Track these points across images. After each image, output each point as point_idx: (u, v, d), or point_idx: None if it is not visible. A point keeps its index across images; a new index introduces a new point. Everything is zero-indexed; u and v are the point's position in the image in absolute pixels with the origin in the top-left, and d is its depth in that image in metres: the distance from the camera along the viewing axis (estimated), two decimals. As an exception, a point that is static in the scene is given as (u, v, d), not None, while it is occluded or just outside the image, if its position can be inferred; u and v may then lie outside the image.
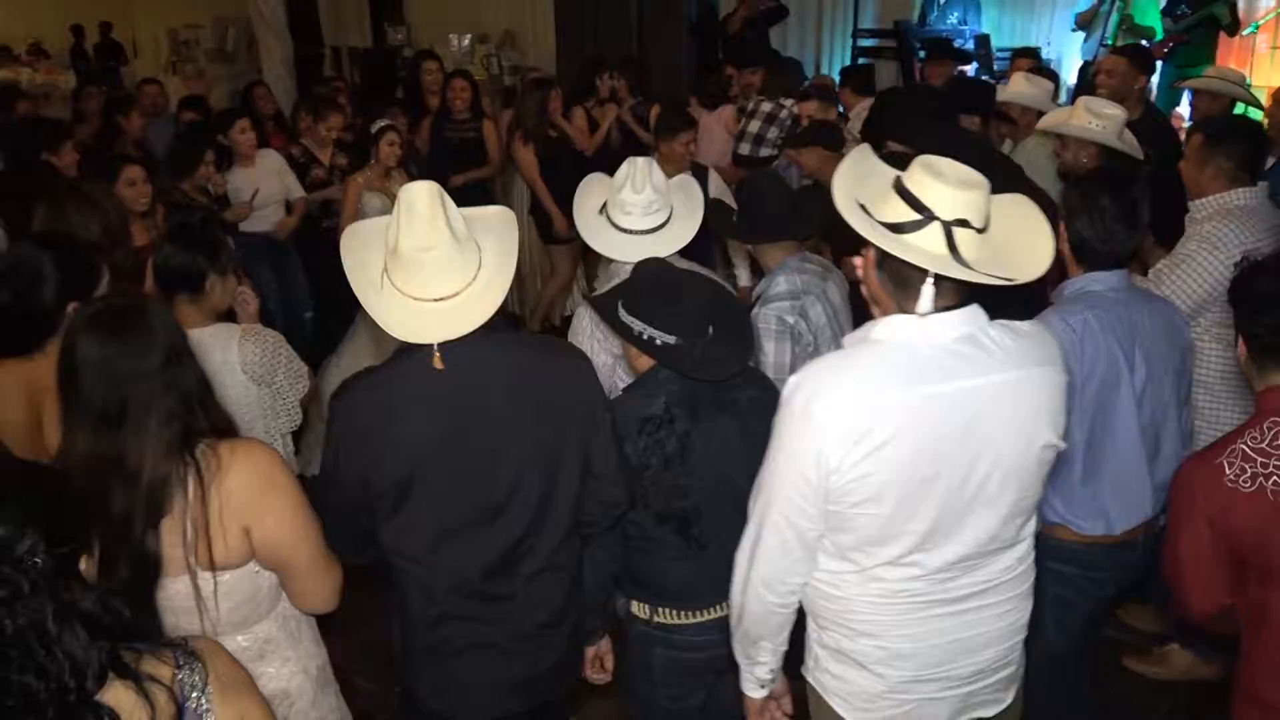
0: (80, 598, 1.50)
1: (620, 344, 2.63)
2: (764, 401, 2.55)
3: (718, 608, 2.57)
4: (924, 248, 1.87)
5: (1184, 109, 7.13)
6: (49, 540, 1.46)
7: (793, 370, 3.12)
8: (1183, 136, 5.01)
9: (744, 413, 2.49)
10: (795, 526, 2.01)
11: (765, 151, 6.50)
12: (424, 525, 2.20)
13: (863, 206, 1.96)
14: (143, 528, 2.00)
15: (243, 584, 2.16)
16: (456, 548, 2.22)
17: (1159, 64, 7.63)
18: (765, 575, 2.09)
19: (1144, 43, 7.31)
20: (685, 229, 3.11)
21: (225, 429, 2.18)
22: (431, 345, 2.10)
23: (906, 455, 1.90)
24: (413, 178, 5.81)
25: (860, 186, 2.01)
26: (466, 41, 10.79)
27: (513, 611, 2.30)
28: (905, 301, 1.95)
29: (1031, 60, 6.54)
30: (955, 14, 9.68)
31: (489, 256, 2.17)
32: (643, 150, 6.90)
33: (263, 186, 5.73)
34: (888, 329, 1.97)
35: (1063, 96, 8.66)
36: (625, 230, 3.09)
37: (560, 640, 2.40)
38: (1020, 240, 1.96)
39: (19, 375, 2.67)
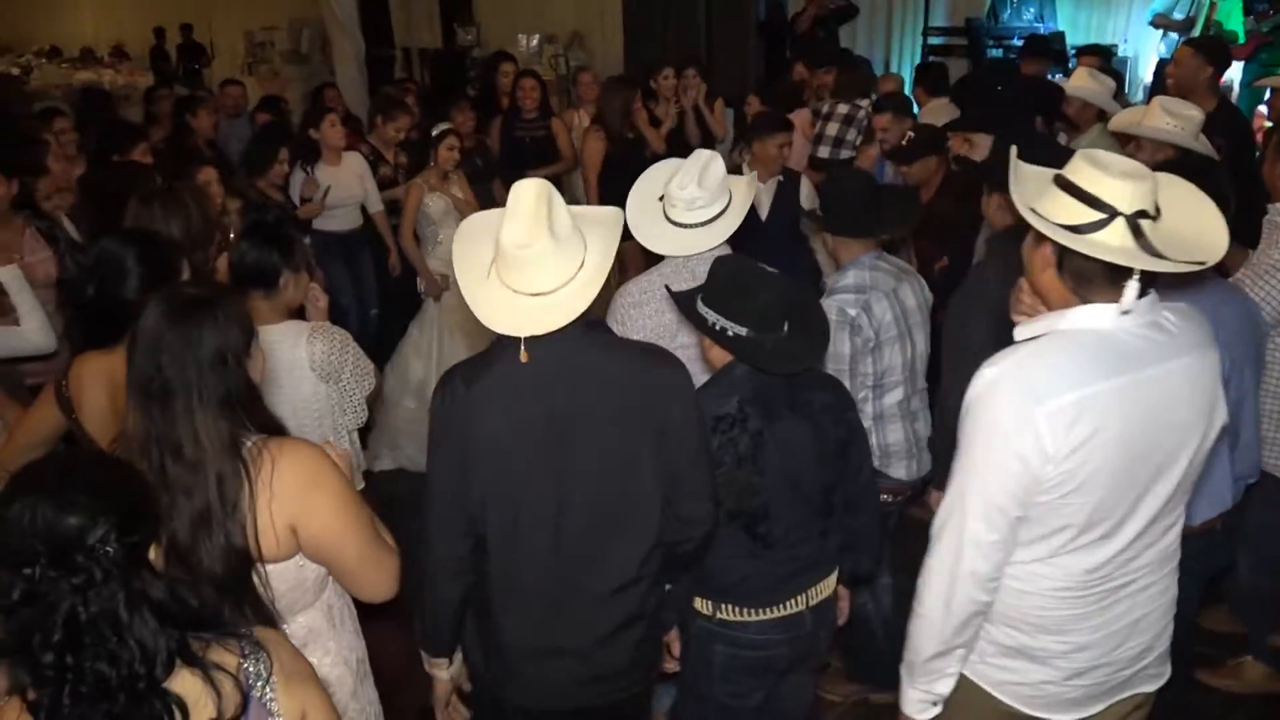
0: (150, 586, 1.53)
1: (696, 338, 2.67)
2: (837, 408, 2.58)
3: (781, 606, 2.59)
4: (1109, 243, 1.88)
5: (1265, 109, 6.95)
6: (120, 529, 1.49)
7: (852, 361, 3.18)
8: (1261, 138, 4.89)
9: (817, 414, 2.52)
10: (1007, 517, 1.98)
11: (845, 153, 6.44)
12: (505, 518, 2.25)
13: (1034, 210, 1.98)
14: (222, 520, 2.04)
15: (287, 575, 2.19)
16: (531, 543, 2.25)
17: (1242, 64, 7.45)
18: (980, 573, 2.02)
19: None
20: (726, 226, 3.12)
21: (274, 430, 2.20)
22: (519, 340, 2.14)
23: (1114, 442, 1.92)
24: (473, 178, 5.91)
25: (1023, 189, 2.03)
26: (535, 42, 10.88)
27: (581, 619, 2.31)
28: (1090, 294, 1.96)
29: (1098, 58, 6.40)
30: (1030, 10, 9.52)
31: (592, 256, 2.20)
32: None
33: (343, 187, 5.81)
34: (1083, 318, 1.97)
35: (1139, 94, 8.51)
36: (672, 222, 3.12)
37: (633, 638, 2.38)
38: (1190, 220, 1.97)
39: (101, 367, 2.74)
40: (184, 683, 1.54)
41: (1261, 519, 3.35)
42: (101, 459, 1.66)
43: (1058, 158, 2.03)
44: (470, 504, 2.25)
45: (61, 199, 4.58)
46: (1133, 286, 1.90)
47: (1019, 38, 8.80)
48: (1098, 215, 1.89)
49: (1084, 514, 1.97)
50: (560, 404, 2.19)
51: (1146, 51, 9.09)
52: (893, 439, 3.39)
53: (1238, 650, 3.81)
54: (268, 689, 1.61)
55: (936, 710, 2.20)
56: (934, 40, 9.81)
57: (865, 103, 6.38)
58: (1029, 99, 4.95)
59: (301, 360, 3.02)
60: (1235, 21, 7.64)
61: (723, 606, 2.61)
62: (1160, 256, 1.87)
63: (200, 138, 6.42)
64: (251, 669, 1.61)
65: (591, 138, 6.56)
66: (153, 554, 1.58)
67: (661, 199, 3.16)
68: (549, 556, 2.26)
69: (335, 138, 5.84)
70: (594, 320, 2.28)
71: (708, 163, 3.09)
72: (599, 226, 2.26)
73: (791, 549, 2.57)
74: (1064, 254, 1.95)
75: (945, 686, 2.17)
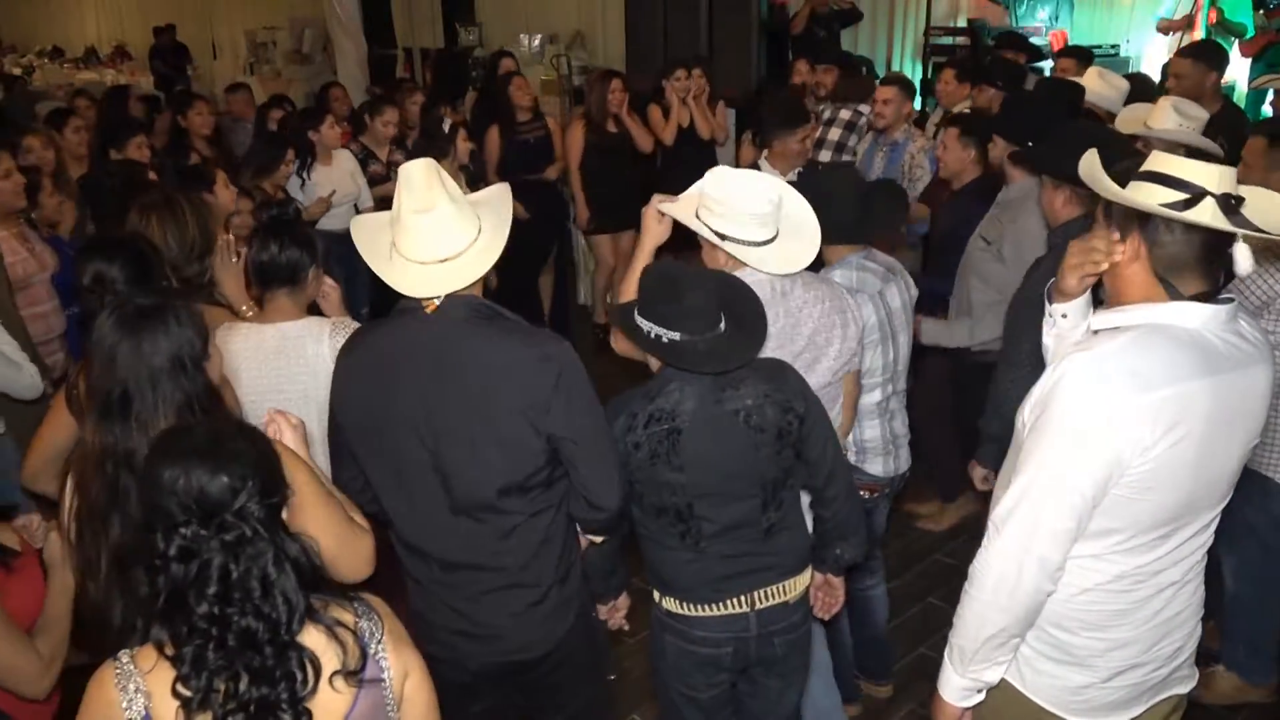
0: (287, 545, 1.64)
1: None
2: (780, 396, 2.55)
3: (720, 605, 2.59)
4: (1213, 224, 1.90)
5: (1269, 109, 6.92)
6: (263, 491, 1.61)
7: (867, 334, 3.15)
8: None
9: (753, 407, 2.50)
10: (1076, 512, 1.95)
11: (846, 159, 6.45)
12: (378, 474, 2.41)
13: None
14: None
15: None
16: (405, 502, 2.40)
17: (1250, 61, 7.42)
18: (1050, 560, 1.99)
19: (1234, 39, 7.11)
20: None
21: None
22: (417, 308, 2.30)
23: (1195, 443, 1.93)
24: (471, 177, 5.90)
25: (1101, 180, 2.05)
26: (537, 42, 10.87)
27: (468, 581, 2.43)
28: (1180, 284, 1.96)
29: (1072, 61, 6.38)
30: (1046, 8, 9.47)
31: (487, 224, 2.35)
32: (702, 147, 6.97)
33: (339, 187, 5.88)
34: (1174, 314, 1.95)
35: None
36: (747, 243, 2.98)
37: (523, 602, 2.45)
38: (1267, 201, 1.99)
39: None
40: (310, 637, 1.64)
41: (1245, 516, 3.29)
42: (241, 426, 1.74)
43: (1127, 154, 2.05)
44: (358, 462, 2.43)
45: (66, 198, 4.58)
46: (1242, 249, 1.94)
47: (1028, 38, 8.78)
48: (1185, 195, 1.90)
49: (1152, 513, 1.97)
50: (429, 376, 2.29)
51: (1149, 52, 9.06)
52: (869, 435, 3.39)
53: (1210, 659, 3.66)
54: (380, 647, 1.72)
55: (979, 699, 2.17)
56: (936, 40, 9.79)
57: (865, 107, 6.36)
58: (1058, 98, 4.89)
59: (325, 355, 3.01)
60: (1243, 12, 7.57)
61: (667, 598, 2.64)
62: (1262, 231, 1.89)
63: (195, 136, 6.41)
64: (366, 626, 1.72)
65: (575, 128, 6.76)
66: (284, 515, 1.69)
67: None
68: (418, 520, 2.41)
69: (334, 139, 5.93)
70: (483, 303, 2.37)
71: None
72: (487, 203, 2.44)
73: (726, 547, 2.56)
74: (1154, 243, 1.96)
75: (994, 675, 2.14)
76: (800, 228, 2.93)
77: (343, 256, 5.87)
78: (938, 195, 5.18)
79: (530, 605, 2.46)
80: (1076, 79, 5.40)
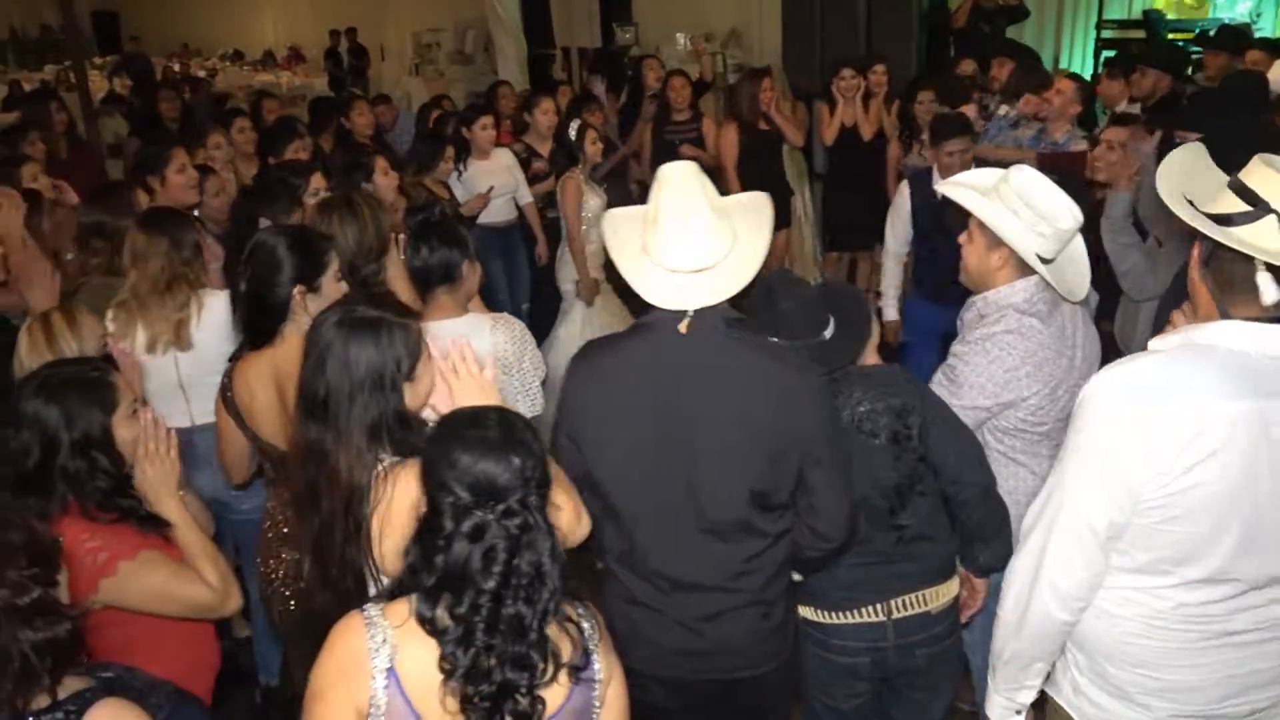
0: (554, 536, 1.70)
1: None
2: (896, 404, 2.50)
3: (855, 613, 2.54)
4: (1257, 242, 1.76)
5: None
6: (539, 483, 1.68)
7: None
8: None
9: (865, 415, 2.48)
10: (1097, 535, 1.88)
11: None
12: (621, 493, 2.30)
13: (1190, 202, 1.88)
14: (342, 538, 2.11)
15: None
16: (648, 523, 2.30)
17: None
18: (1061, 588, 1.93)
19: None
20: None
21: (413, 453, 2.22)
22: (673, 319, 2.19)
23: (1233, 471, 1.78)
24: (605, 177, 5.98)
25: (1190, 181, 1.94)
26: (691, 40, 10.89)
27: (693, 597, 2.34)
28: (1230, 305, 1.84)
29: (1262, 54, 5.99)
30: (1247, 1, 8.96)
31: (743, 235, 2.25)
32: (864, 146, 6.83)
33: (496, 181, 6.01)
34: (1218, 334, 1.84)
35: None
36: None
37: (746, 621, 2.37)
38: None
39: (264, 369, 2.84)
40: (551, 629, 1.70)
41: None
42: (523, 418, 1.80)
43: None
44: (582, 477, 2.33)
45: (224, 199, 4.80)
46: (1265, 281, 1.76)
47: (1199, 30, 8.34)
48: (1246, 208, 1.77)
49: (1185, 546, 1.83)
50: (682, 393, 2.21)
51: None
52: None
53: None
54: (595, 648, 1.77)
55: (1019, 719, 2.13)
56: (1108, 34, 9.39)
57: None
58: (1239, 94, 4.61)
59: (486, 351, 3.08)
60: None
61: (804, 606, 2.59)
62: None
63: (358, 134, 6.66)
64: (587, 626, 1.76)
65: (727, 130, 6.67)
66: None
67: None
68: (660, 541, 2.31)
69: (485, 140, 6.05)
70: (738, 318, 2.29)
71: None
72: (746, 210, 2.32)
73: (853, 555, 2.49)
74: (1210, 254, 1.84)
75: (1026, 697, 2.10)
76: (1073, 255, 2.79)
77: (503, 251, 6.08)
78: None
79: (761, 619, 2.37)
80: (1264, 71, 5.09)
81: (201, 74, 15.33)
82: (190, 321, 3.35)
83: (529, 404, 3.24)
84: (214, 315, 3.37)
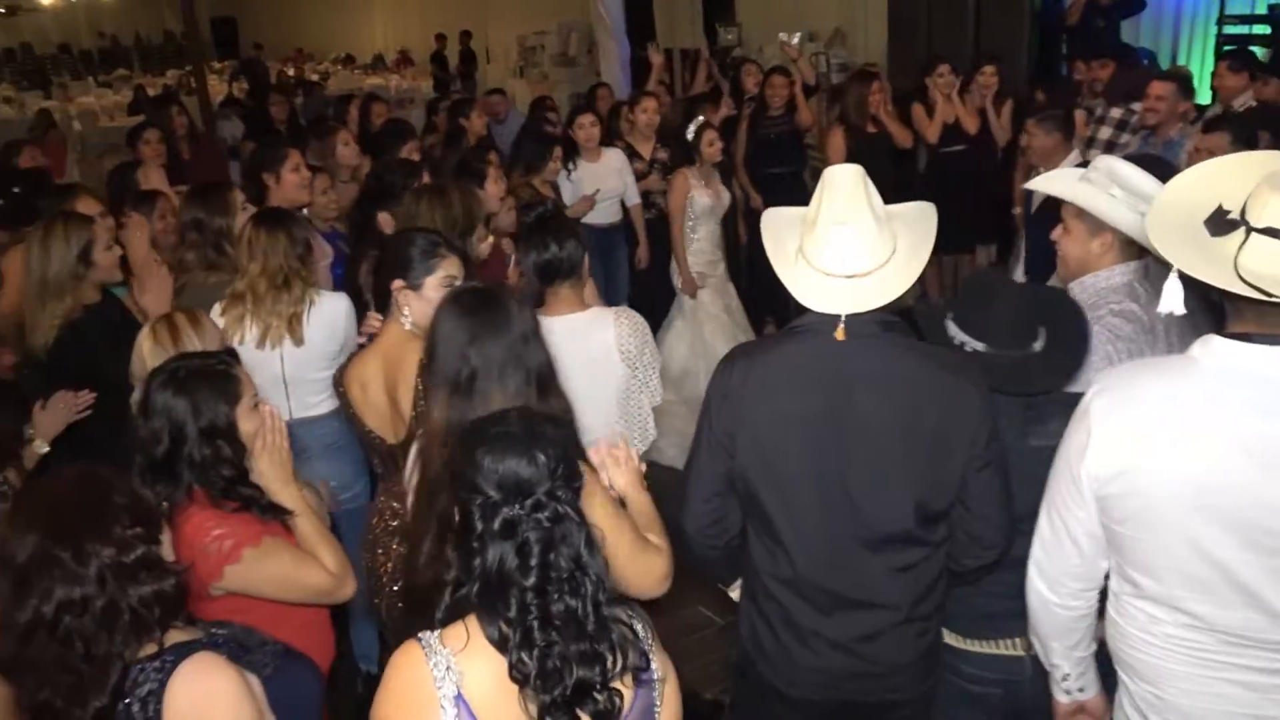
0: (592, 530, 1.69)
1: None
2: None
3: (993, 643, 2.41)
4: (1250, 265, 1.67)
5: None
6: (567, 477, 1.67)
7: None
8: None
9: (1056, 438, 2.29)
10: (1064, 521, 1.97)
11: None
12: (772, 507, 2.26)
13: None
14: None
15: None
16: (799, 535, 2.25)
17: None
18: (1042, 566, 2.05)
19: None
20: None
21: (562, 415, 2.26)
22: (829, 324, 2.16)
23: (1179, 482, 1.76)
24: (721, 170, 5.98)
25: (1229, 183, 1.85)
26: (795, 40, 10.80)
27: (849, 614, 2.27)
28: (1232, 317, 1.79)
29: None
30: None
31: (903, 243, 2.21)
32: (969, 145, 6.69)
33: (605, 182, 6.05)
34: (1203, 348, 1.80)
35: None
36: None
37: (904, 638, 2.31)
38: None
39: (376, 355, 2.94)
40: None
41: None
42: (546, 414, 1.81)
43: None
44: (729, 484, 2.29)
45: (334, 197, 4.92)
46: (1172, 284, 1.79)
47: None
48: (1228, 221, 1.72)
49: (1145, 552, 1.84)
50: (841, 399, 2.17)
51: None
52: None
53: None
54: (650, 649, 1.74)
55: (1069, 699, 2.16)
56: (1230, 29, 9.02)
57: (1138, 105, 5.95)
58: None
59: (610, 344, 3.13)
60: None
61: (942, 629, 2.46)
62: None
63: (473, 136, 6.79)
64: (640, 627, 1.74)
65: (834, 132, 6.63)
66: None
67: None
68: (816, 553, 2.25)
69: (588, 139, 6.10)
70: (894, 320, 2.24)
71: None
72: (908, 220, 2.28)
73: (999, 586, 2.32)
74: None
75: (1058, 675, 2.14)
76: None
77: (604, 251, 6.13)
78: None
79: (918, 638, 2.31)
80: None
81: (314, 78, 15.79)
82: (303, 317, 3.46)
83: (649, 395, 3.28)
84: (324, 313, 3.49)
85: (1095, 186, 2.68)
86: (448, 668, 1.61)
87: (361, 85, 14.35)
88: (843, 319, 2.15)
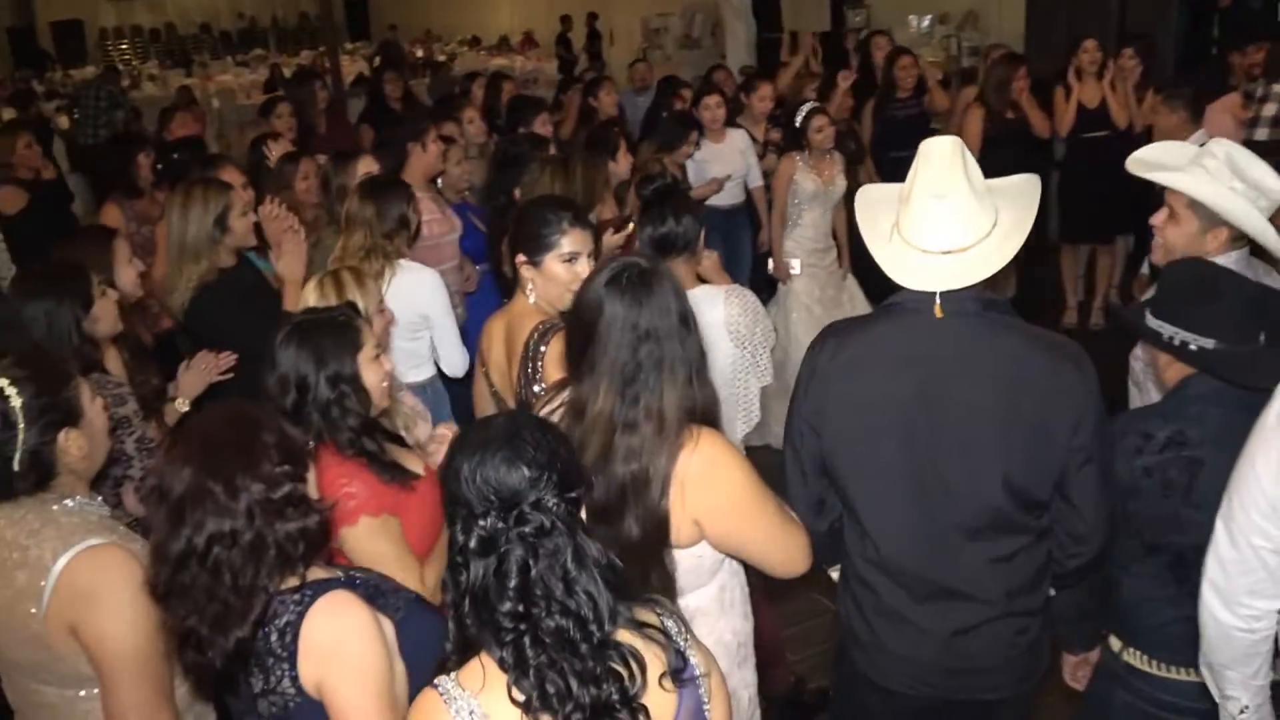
0: (588, 544, 1.57)
1: (1147, 355, 2.39)
2: None
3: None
4: None
5: None
6: (560, 485, 1.55)
7: None
8: None
9: None
10: (1253, 545, 1.83)
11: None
12: (861, 488, 2.19)
13: None
14: (660, 492, 2.04)
15: (685, 560, 2.16)
16: (889, 519, 2.18)
17: None
18: (1223, 589, 1.89)
19: None
20: None
21: (709, 406, 2.17)
22: (924, 302, 2.08)
23: None
24: (849, 156, 5.85)
25: None
26: (926, 22, 10.57)
27: (940, 605, 2.19)
28: None
29: None
30: None
31: (1004, 217, 2.11)
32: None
33: (726, 162, 6.02)
34: None
35: None
36: None
37: (997, 635, 2.21)
38: None
39: (503, 317, 2.96)
40: (626, 638, 1.57)
41: None
42: (539, 421, 1.69)
43: None
44: (821, 465, 2.23)
45: (468, 168, 5.06)
46: None
47: None
48: None
49: None
50: (935, 380, 2.08)
51: None
52: None
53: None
54: (687, 645, 1.64)
55: None
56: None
57: None
58: None
59: (719, 322, 3.08)
60: None
61: (1130, 650, 2.32)
62: None
63: (603, 114, 6.82)
64: (671, 625, 1.64)
65: (972, 115, 6.42)
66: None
67: None
68: (907, 538, 2.17)
69: (714, 120, 6.05)
70: (994, 299, 2.14)
71: None
72: (1012, 193, 2.17)
73: None
74: None
75: (1234, 708, 1.99)
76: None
77: (727, 232, 6.08)
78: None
79: (1016, 635, 2.21)
80: None
81: (442, 58, 16.07)
82: (382, 288, 3.41)
83: (759, 375, 3.22)
84: (403, 285, 3.52)
85: (1213, 177, 2.51)
86: (470, 712, 1.51)
87: (487, 66, 14.55)
88: (938, 297, 2.06)
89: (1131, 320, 2.31)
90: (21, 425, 1.99)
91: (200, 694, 2.03)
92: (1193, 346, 2.15)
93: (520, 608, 1.50)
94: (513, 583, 1.50)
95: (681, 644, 1.63)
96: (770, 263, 5.75)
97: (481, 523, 1.52)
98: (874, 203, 2.25)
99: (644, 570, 2.04)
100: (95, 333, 2.93)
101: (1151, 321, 2.22)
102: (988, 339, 2.09)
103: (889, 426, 2.12)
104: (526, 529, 1.51)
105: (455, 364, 3.71)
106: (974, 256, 2.06)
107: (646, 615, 1.62)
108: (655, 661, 1.57)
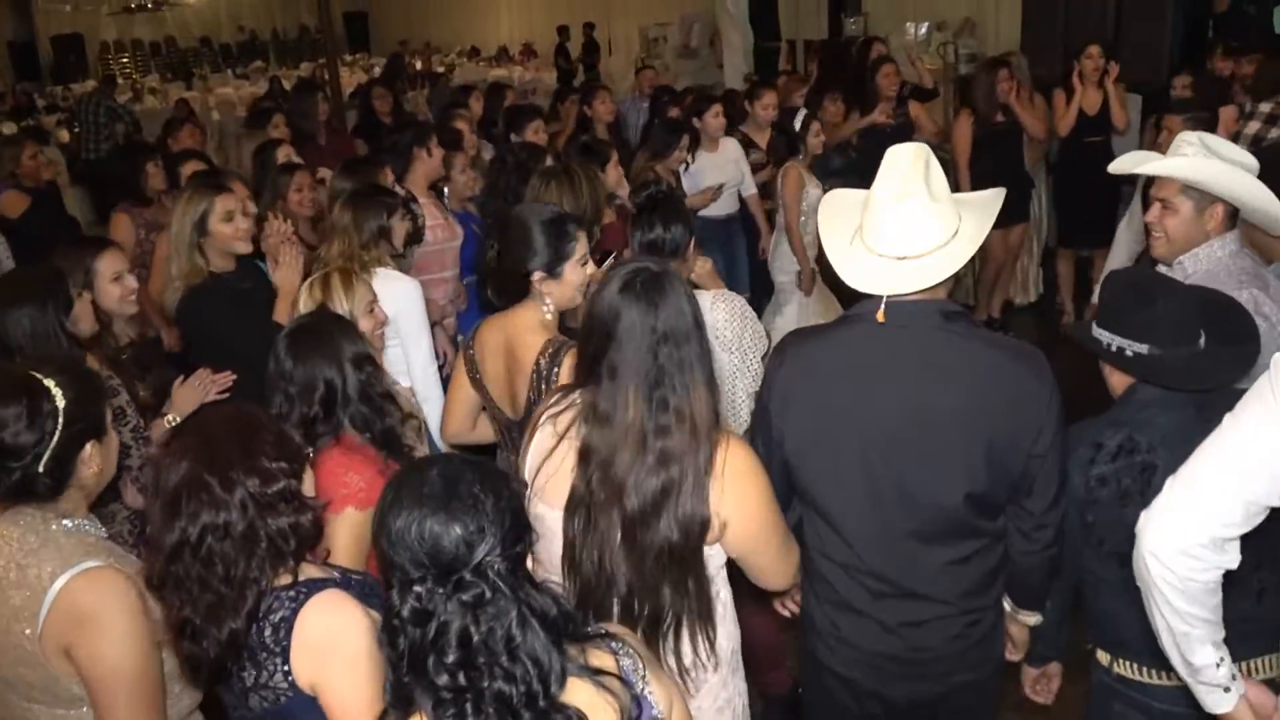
0: (533, 599, 1.49)
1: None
2: None
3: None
4: None
5: None
6: (504, 542, 1.45)
7: None
8: None
9: None
10: (1234, 507, 1.73)
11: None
12: (825, 489, 2.22)
13: None
14: (699, 493, 2.02)
15: None
16: (847, 525, 2.21)
17: None
18: (1179, 534, 1.77)
19: None
20: None
21: (720, 408, 2.16)
22: (875, 307, 2.09)
23: None
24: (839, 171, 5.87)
25: None
26: (923, 30, 10.56)
27: (897, 603, 2.23)
28: None
29: None
30: None
31: (967, 227, 2.11)
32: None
33: (720, 171, 6.03)
34: None
35: None
36: None
37: (950, 628, 2.24)
38: None
39: (500, 326, 2.93)
40: (578, 693, 1.49)
41: None
42: (481, 467, 1.53)
43: None
44: (785, 469, 2.26)
45: (474, 176, 5.09)
46: None
47: None
48: None
49: None
50: (893, 389, 2.10)
51: None
52: None
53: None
54: (644, 684, 1.58)
55: (1233, 698, 1.87)
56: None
57: None
58: None
59: (706, 327, 3.07)
60: None
61: (1120, 660, 2.33)
62: None
63: (600, 123, 6.83)
64: (627, 665, 1.58)
65: (960, 121, 6.46)
66: (529, 564, 1.56)
67: None
68: (865, 542, 2.20)
69: (716, 128, 6.08)
70: (955, 309, 2.15)
71: None
72: (974, 205, 2.19)
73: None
74: None
75: (1212, 671, 1.86)
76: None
77: (723, 242, 6.08)
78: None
79: (968, 627, 2.24)
80: None
81: (441, 69, 16.11)
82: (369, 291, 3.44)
83: (750, 380, 3.23)
84: (380, 293, 3.42)
85: (1199, 160, 2.59)
86: None
87: (486, 77, 14.58)
88: (883, 301, 2.07)
89: (1078, 332, 2.33)
90: (61, 427, 2.01)
91: (194, 683, 2.04)
92: (1129, 353, 2.18)
93: (460, 679, 1.42)
94: (451, 657, 1.41)
95: (639, 684, 1.56)
96: (797, 275, 5.66)
97: (417, 588, 1.42)
98: (842, 208, 2.27)
99: (681, 575, 2.05)
100: (79, 333, 2.98)
101: (1096, 331, 2.24)
102: (946, 347, 2.10)
103: (845, 435, 2.15)
104: (466, 597, 1.42)
105: (419, 378, 3.56)
106: (930, 263, 2.06)
107: (602, 659, 1.55)
108: (608, 711, 1.50)
